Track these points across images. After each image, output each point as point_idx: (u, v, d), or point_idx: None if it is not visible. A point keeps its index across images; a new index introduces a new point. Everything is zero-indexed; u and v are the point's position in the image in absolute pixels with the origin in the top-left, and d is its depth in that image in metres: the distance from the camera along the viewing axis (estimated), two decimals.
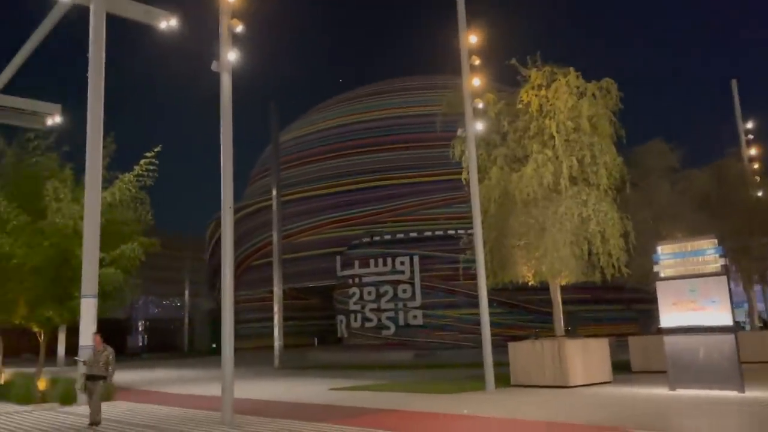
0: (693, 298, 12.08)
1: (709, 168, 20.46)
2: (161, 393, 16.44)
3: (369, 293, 34.06)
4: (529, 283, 15.37)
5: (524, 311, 32.99)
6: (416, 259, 33.39)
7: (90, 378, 10.87)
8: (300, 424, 9.83)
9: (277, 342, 26.87)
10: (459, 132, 15.07)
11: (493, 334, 35.73)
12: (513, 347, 14.81)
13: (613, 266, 14.32)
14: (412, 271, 33.35)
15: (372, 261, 34.19)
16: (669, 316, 12.43)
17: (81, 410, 12.97)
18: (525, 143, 15.14)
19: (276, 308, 27.45)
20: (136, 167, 18.06)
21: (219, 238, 45.88)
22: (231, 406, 10.10)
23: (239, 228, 44.57)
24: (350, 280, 35.04)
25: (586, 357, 14.04)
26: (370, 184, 38.35)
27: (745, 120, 23.42)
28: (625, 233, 14.51)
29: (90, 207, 15.21)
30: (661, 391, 12.16)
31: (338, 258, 35.98)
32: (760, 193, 22.32)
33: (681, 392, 11.90)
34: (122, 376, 18.40)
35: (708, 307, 11.88)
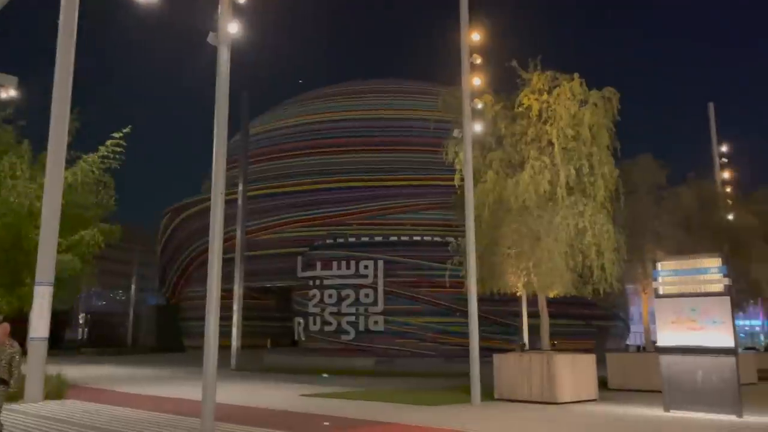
0: (693, 317, 11.72)
1: (689, 188, 20.46)
2: (119, 393, 15.16)
3: (330, 296, 33.07)
4: (518, 294, 14.84)
5: (487, 322, 32.59)
6: (381, 263, 32.63)
7: None
8: None
9: (235, 342, 25.67)
10: (455, 133, 14.43)
11: (453, 344, 35.37)
12: (498, 359, 14.22)
13: (606, 281, 13.92)
14: (375, 276, 32.56)
15: (335, 263, 33.25)
16: (666, 335, 12.04)
17: (25, 408, 11.72)
18: (521, 148, 14.64)
19: (235, 307, 26.24)
20: (102, 148, 16.79)
21: (174, 231, 44.15)
22: (212, 415, 9.10)
23: (194, 223, 42.88)
24: (311, 282, 33.99)
25: (575, 373, 13.56)
26: (336, 185, 37.48)
27: (720, 143, 23.64)
28: (617, 248, 14.13)
29: (51, 186, 13.91)
30: (656, 413, 11.74)
31: (299, 258, 34.88)
32: (730, 216, 22.50)
33: (677, 414, 11.50)
34: (69, 372, 16.96)
35: (709, 327, 11.53)
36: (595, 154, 14.07)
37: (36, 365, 13.28)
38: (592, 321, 36.90)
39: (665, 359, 11.96)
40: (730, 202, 22.95)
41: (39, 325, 13.63)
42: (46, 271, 13.61)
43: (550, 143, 14.20)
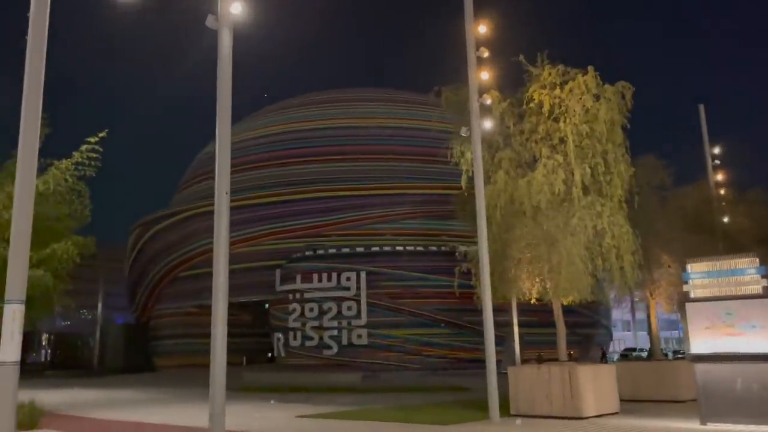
0: (729, 322, 10.99)
1: (694, 189, 20.00)
2: (99, 419, 13.75)
3: (311, 310, 31.87)
4: (531, 301, 13.98)
5: (472, 332, 31.77)
6: (363, 275, 31.57)
7: None
8: None
9: None
10: (462, 131, 13.55)
11: (438, 356, 34.30)
12: (514, 372, 13.28)
13: (626, 284, 13.17)
14: (358, 288, 31.48)
15: (316, 276, 32.07)
16: (700, 342, 11.27)
17: None
18: (531, 147, 13.84)
19: None
20: (76, 153, 15.40)
21: (144, 246, 42.35)
22: None
23: (164, 238, 41.15)
24: (290, 296, 32.74)
25: (597, 385, 12.71)
26: (313, 195, 36.34)
27: (712, 145, 23.32)
28: (635, 250, 13.39)
29: (22, 194, 12.40)
30: (691, 426, 10.95)
31: (278, 271, 33.61)
32: (726, 219, 22.13)
33: (716, 427, 10.71)
34: (38, 397, 15.46)
35: (747, 332, 10.80)
36: (611, 152, 13.34)
37: (6, 393, 11.78)
38: (576, 329, 36.38)
39: (700, 368, 11.17)
40: (724, 204, 22.60)
41: (9, 347, 12.19)
42: (17, 287, 12.07)
43: (562, 141, 13.43)
